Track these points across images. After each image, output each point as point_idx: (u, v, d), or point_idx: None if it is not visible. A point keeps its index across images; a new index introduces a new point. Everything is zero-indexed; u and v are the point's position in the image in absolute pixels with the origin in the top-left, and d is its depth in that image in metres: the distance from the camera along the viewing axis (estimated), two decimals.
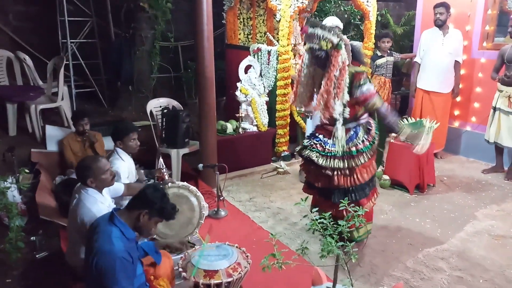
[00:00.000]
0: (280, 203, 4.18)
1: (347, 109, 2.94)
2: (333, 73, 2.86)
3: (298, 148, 3.63)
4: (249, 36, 6.37)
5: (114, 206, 2.75)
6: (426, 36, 5.27)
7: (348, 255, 1.91)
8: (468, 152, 5.52)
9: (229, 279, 2.34)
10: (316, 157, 3.07)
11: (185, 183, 3.21)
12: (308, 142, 3.21)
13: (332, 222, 1.97)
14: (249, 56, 5.31)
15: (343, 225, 1.96)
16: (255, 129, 5.08)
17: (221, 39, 6.75)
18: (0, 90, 5.25)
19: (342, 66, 2.86)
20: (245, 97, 4.99)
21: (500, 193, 4.46)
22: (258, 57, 5.29)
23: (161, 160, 3.81)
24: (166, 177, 3.51)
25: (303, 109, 3.69)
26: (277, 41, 5.13)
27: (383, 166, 4.52)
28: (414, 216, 3.94)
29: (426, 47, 5.23)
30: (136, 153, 3.53)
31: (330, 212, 2.08)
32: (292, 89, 4.70)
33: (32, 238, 3.32)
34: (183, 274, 2.40)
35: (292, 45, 5.14)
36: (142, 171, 3.78)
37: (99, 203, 2.59)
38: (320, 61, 2.93)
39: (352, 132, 3.07)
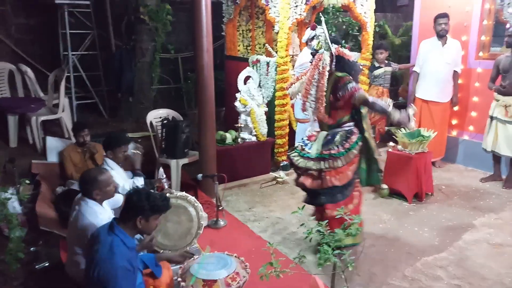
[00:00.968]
0: (279, 213, 4.19)
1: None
2: (313, 73, 3.12)
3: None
4: (248, 48, 6.44)
5: (114, 216, 2.76)
6: (425, 46, 5.29)
7: (344, 263, 1.93)
8: (466, 161, 5.53)
9: None
10: (295, 156, 3.28)
11: (183, 193, 3.22)
12: (296, 144, 3.41)
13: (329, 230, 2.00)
14: (248, 67, 5.37)
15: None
16: (254, 139, 5.10)
17: (221, 50, 6.83)
18: (2, 101, 5.31)
19: (322, 70, 3.05)
20: (244, 107, 5.03)
21: (498, 201, 4.47)
22: (257, 68, 5.34)
23: (161, 170, 3.84)
24: (166, 186, 3.54)
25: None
26: (276, 52, 5.19)
27: (381, 176, 4.52)
28: (413, 225, 3.95)
29: (425, 56, 5.24)
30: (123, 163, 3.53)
31: (327, 221, 2.12)
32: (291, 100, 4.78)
33: (32, 248, 3.34)
34: (182, 284, 2.41)
35: (290, 56, 5.19)
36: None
37: (99, 214, 2.61)
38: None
39: (329, 137, 3.21)
